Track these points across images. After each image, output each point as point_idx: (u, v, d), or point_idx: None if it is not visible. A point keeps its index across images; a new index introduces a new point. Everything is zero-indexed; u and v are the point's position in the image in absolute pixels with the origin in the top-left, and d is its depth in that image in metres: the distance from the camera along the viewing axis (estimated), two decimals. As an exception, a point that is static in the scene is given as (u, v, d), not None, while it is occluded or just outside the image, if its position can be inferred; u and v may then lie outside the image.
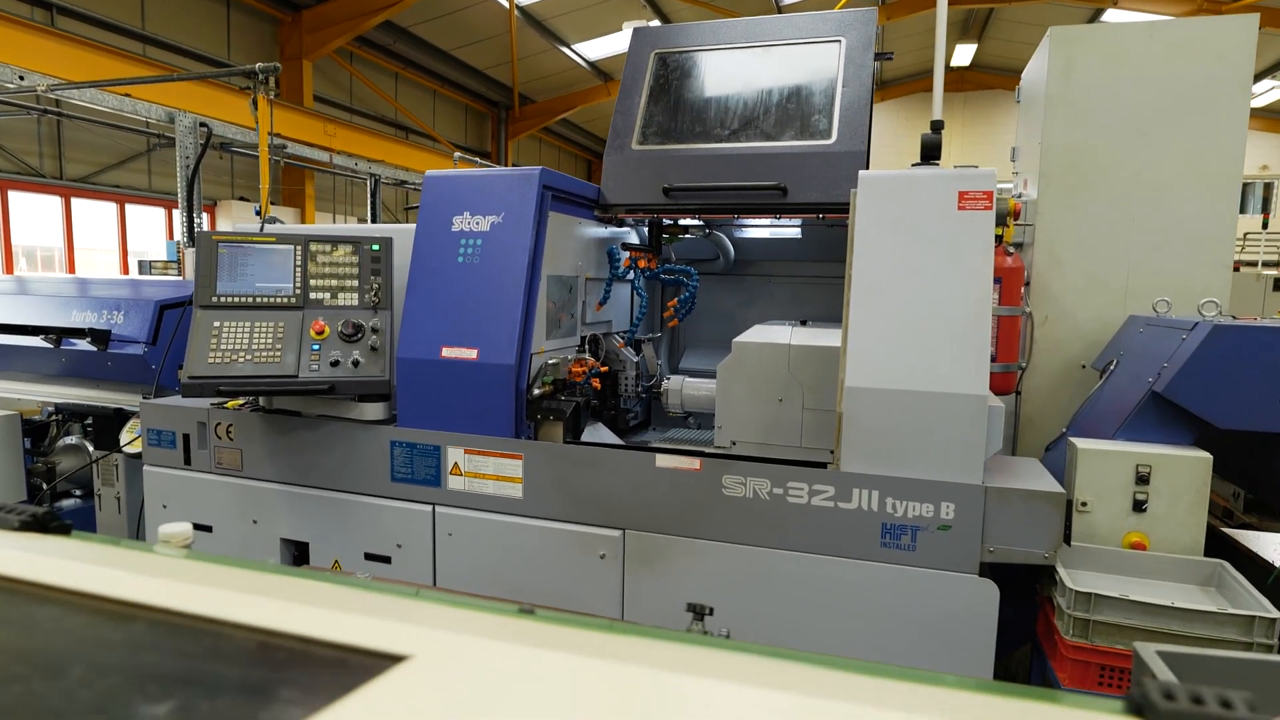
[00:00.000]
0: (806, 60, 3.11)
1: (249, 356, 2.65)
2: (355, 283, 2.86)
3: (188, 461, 3.10)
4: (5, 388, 4.11)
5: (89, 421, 4.45)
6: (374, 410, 2.80)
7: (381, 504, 2.79)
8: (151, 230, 10.76)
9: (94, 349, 3.61)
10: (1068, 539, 2.12)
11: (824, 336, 2.68)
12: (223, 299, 2.72)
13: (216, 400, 3.09)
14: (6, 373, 4.11)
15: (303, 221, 12.22)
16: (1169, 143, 3.08)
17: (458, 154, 7.59)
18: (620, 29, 13.56)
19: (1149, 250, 3.13)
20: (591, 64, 16.44)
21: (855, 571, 2.27)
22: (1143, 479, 2.26)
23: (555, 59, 15.83)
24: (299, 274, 2.80)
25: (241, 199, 11.44)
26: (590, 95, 17.30)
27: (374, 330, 2.78)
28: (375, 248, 2.88)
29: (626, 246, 3.12)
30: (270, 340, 2.70)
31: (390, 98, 14.29)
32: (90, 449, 4.37)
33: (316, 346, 2.72)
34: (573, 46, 15.46)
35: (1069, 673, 2.01)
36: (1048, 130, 3.20)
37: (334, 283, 2.84)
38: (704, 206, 3.05)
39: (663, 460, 2.46)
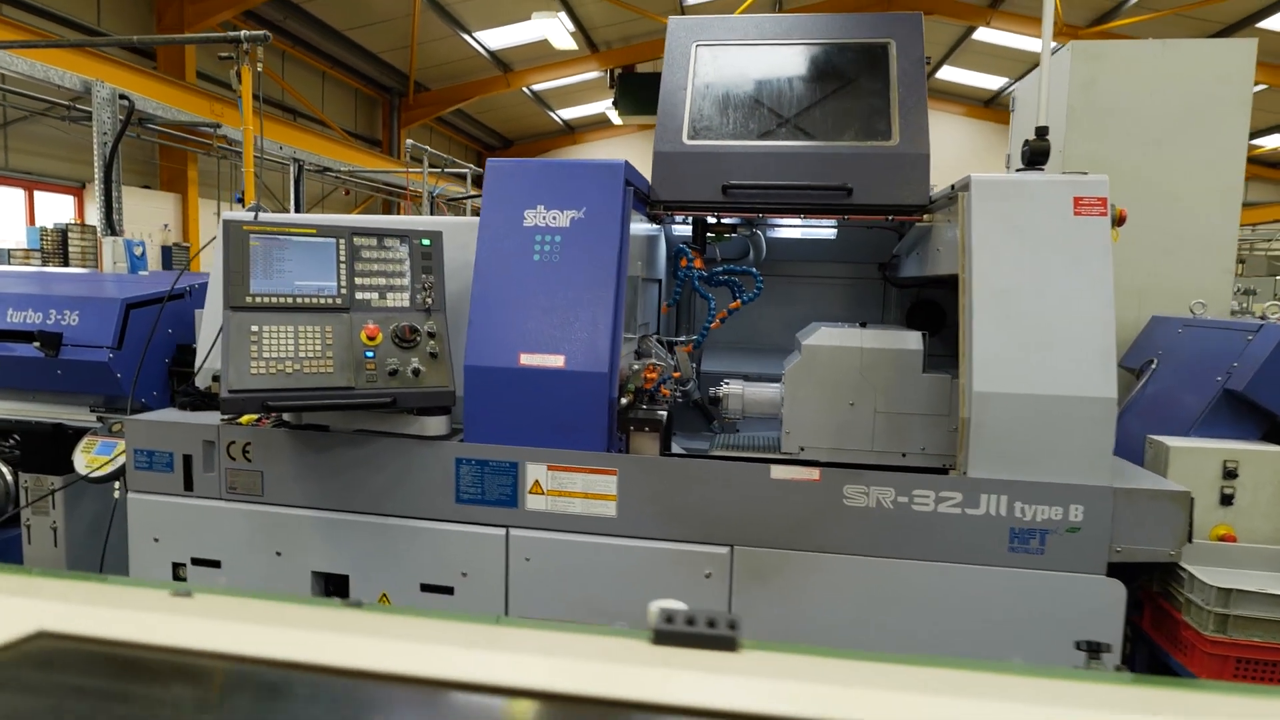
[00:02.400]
0: (857, 60, 3.08)
1: (297, 366, 2.31)
2: (405, 281, 2.56)
3: (189, 487, 2.67)
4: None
5: (12, 440, 3.81)
6: (436, 425, 2.51)
7: (443, 529, 2.51)
8: (9, 214, 9.32)
9: (40, 354, 3.05)
10: (1190, 536, 2.20)
11: (893, 339, 2.67)
12: (258, 299, 2.36)
13: (228, 415, 2.69)
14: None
15: (185, 207, 11.06)
16: (1179, 155, 3.29)
17: (410, 142, 7.05)
18: (529, 18, 13.21)
19: (1161, 255, 3.32)
20: (492, 53, 15.90)
21: (982, 577, 2.25)
22: (1230, 474, 2.38)
23: (454, 46, 15.19)
24: (343, 271, 2.48)
25: (112, 182, 10.18)
26: (489, 86, 16.74)
27: (430, 335, 2.50)
28: (426, 243, 2.59)
29: (686, 245, 2.98)
30: (319, 347, 2.36)
31: (278, 77, 13.22)
32: (5, 472, 3.76)
33: (370, 354, 2.41)
34: (474, 34, 14.89)
35: (1204, 667, 2.07)
36: (1070, 140, 3.33)
37: (382, 281, 2.53)
38: (764, 205, 2.96)
39: (778, 471, 2.35)
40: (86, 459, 3.12)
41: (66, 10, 9.54)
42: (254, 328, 2.31)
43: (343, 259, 2.48)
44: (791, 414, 2.68)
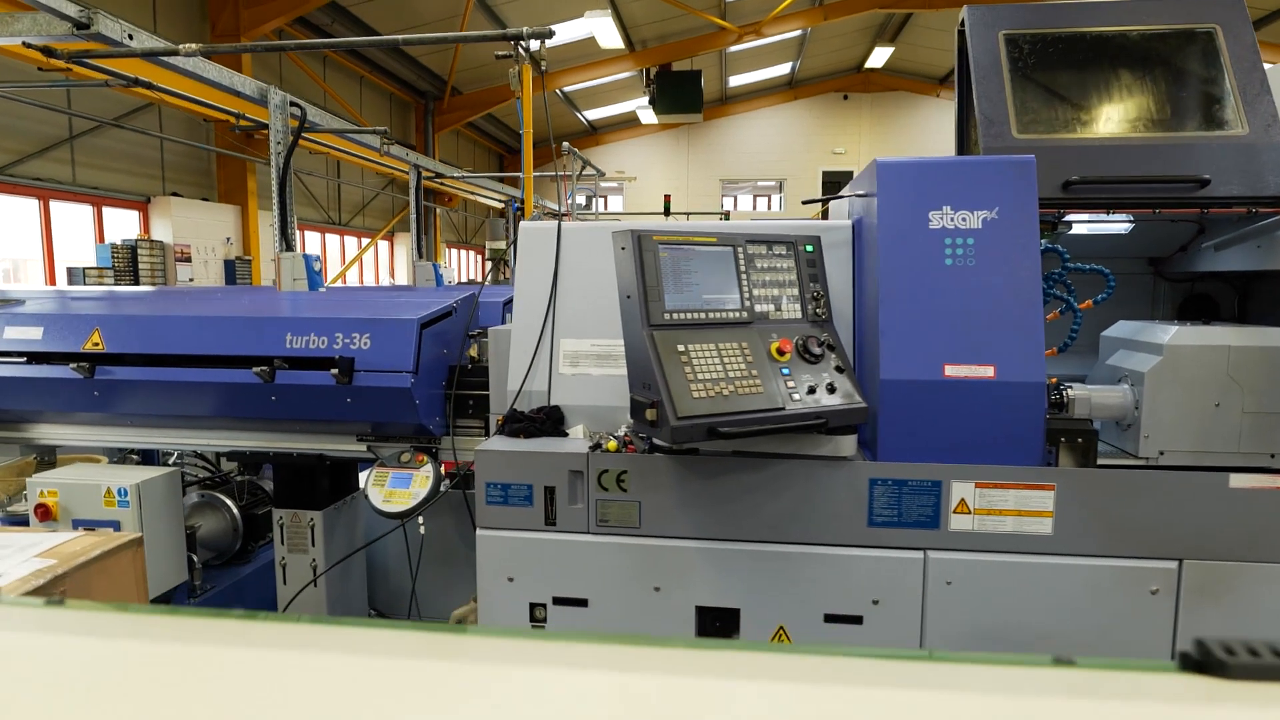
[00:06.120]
0: (1180, 46, 2.95)
1: (731, 388, 2.14)
2: (795, 291, 2.40)
3: (550, 521, 2.49)
4: (156, 438, 3.20)
5: (265, 473, 3.62)
6: (849, 444, 2.34)
7: (850, 554, 2.35)
8: (77, 232, 8.94)
9: (333, 382, 2.84)
10: None
11: (1263, 336, 2.56)
12: (675, 316, 2.19)
13: (592, 443, 2.51)
14: (152, 417, 3.19)
15: (245, 220, 10.74)
16: None
17: (566, 144, 6.86)
18: (577, 17, 13.01)
19: None
20: (530, 54, 15.64)
21: None
22: None
23: (494, 48, 14.93)
24: (744, 281, 2.31)
25: (174, 194, 9.86)
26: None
27: (830, 347, 2.34)
28: (809, 249, 2.43)
29: (1056, 246, 2.84)
30: (743, 366, 2.19)
31: (320, 79, 12.92)
32: (231, 505, 3.57)
33: (786, 371, 2.25)
34: (512, 35, 14.65)
35: None
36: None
37: (775, 292, 2.37)
38: (1107, 201, 2.82)
39: (1237, 480, 2.22)
40: (382, 493, 2.93)
41: (125, 16, 9.19)
42: (680, 346, 2.14)
43: (742, 269, 2.31)
44: (1151, 417, 2.57)
